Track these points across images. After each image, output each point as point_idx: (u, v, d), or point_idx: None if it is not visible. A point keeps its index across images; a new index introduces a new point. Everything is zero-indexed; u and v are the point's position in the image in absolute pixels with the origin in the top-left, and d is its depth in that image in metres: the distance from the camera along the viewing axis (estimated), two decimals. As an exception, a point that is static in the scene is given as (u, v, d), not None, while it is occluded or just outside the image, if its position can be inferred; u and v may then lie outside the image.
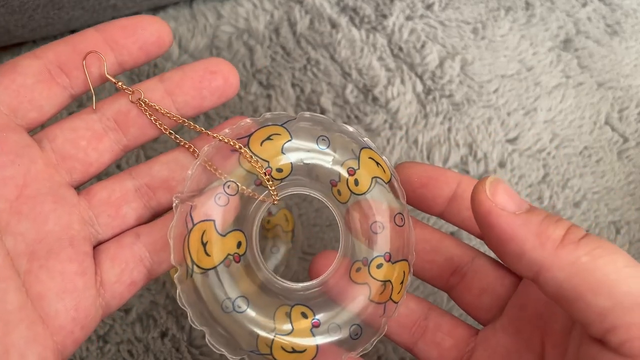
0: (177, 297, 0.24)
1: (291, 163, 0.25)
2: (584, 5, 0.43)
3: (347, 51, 0.41)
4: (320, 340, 0.25)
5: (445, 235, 0.28)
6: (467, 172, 0.39)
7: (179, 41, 0.41)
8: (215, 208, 0.24)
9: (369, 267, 0.25)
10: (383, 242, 0.25)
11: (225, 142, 0.24)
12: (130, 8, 0.39)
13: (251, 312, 0.24)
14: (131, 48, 0.27)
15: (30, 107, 0.25)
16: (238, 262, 0.24)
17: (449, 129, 0.40)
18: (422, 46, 0.41)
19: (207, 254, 0.23)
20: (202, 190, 0.24)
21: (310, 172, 0.26)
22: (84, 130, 0.26)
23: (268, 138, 0.24)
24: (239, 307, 0.24)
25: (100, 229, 0.26)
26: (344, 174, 0.25)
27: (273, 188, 0.25)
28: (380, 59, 0.41)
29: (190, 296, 0.24)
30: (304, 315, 0.25)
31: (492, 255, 0.26)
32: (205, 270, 0.23)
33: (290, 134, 0.25)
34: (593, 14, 0.43)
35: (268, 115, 0.25)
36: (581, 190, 0.40)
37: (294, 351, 0.24)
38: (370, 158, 0.25)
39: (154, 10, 0.41)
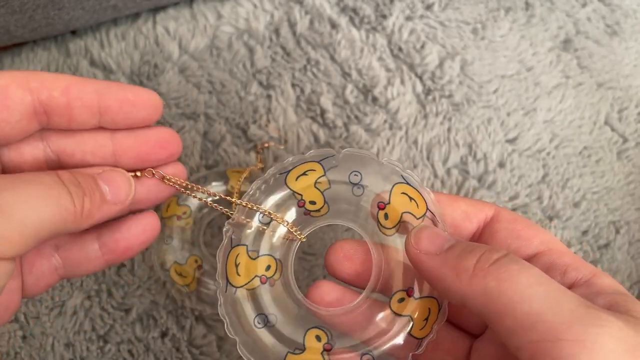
0: (219, 307, 0.26)
1: (323, 196, 0.27)
2: (584, 5, 0.43)
3: (347, 51, 0.41)
4: None
5: None
6: (467, 172, 0.39)
7: (179, 42, 0.41)
8: (250, 235, 0.27)
9: (390, 301, 0.26)
10: (407, 277, 0.26)
11: (244, 205, 0.27)
12: (130, 8, 0.39)
13: (272, 330, 0.27)
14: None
15: None
16: (264, 283, 0.27)
17: (449, 129, 0.40)
18: (422, 46, 0.41)
19: (238, 274, 0.27)
20: (246, 219, 0.27)
21: (343, 201, 0.27)
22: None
23: (304, 174, 0.27)
24: (259, 323, 0.27)
25: None
26: (374, 207, 0.27)
27: (295, 229, 0.27)
28: (380, 59, 0.41)
29: (226, 308, 0.27)
30: (318, 338, 0.27)
31: None
32: (235, 288, 0.27)
33: (324, 169, 0.27)
34: (593, 14, 0.43)
35: (313, 152, 0.28)
36: (581, 190, 0.40)
37: None
38: (403, 193, 0.26)
39: (154, 10, 0.42)
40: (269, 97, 0.40)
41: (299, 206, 0.27)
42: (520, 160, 0.40)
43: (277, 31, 0.41)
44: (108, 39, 0.41)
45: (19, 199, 0.21)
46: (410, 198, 0.26)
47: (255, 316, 0.27)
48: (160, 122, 0.39)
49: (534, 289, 0.20)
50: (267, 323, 0.27)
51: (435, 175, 0.39)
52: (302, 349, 0.26)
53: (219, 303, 0.26)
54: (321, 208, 0.27)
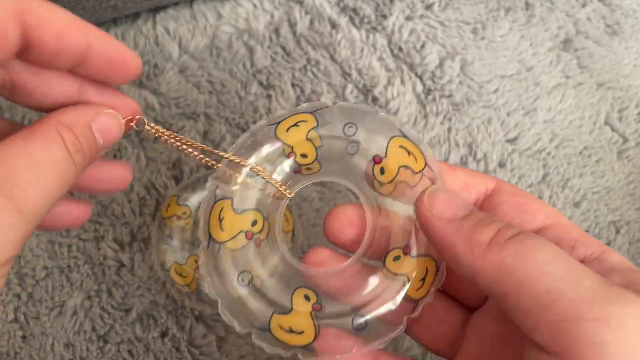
0: (200, 266, 0.25)
1: (315, 149, 0.25)
2: (584, 5, 0.43)
3: (347, 51, 0.41)
4: (320, 324, 0.24)
5: None
6: (467, 172, 0.39)
7: (179, 41, 0.41)
8: (237, 189, 0.25)
9: (385, 259, 0.25)
10: (404, 238, 0.25)
11: (230, 159, 0.25)
12: (130, 9, 0.39)
13: (256, 290, 0.25)
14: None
15: None
16: (250, 239, 0.25)
17: (449, 129, 0.40)
18: (422, 46, 0.41)
19: (222, 229, 0.25)
20: (231, 174, 0.26)
21: (336, 158, 0.26)
22: None
23: (295, 125, 0.25)
24: (242, 281, 0.25)
25: None
26: (370, 161, 0.25)
27: (283, 187, 0.26)
28: (380, 59, 0.41)
29: (207, 266, 0.25)
30: (307, 298, 0.25)
31: None
32: (219, 244, 0.25)
33: (317, 120, 0.25)
34: (593, 14, 0.43)
35: (306, 104, 0.26)
36: (581, 190, 0.40)
37: (291, 331, 0.24)
38: (401, 146, 0.25)
39: (154, 10, 0.42)
40: (269, 97, 0.40)
41: (288, 157, 0.25)
42: (521, 160, 0.40)
43: (277, 31, 0.41)
44: (108, 39, 0.41)
45: (42, 197, 0.20)
46: (409, 152, 0.25)
47: (239, 274, 0.25)
48: (160, 122, 0.39)
49: (552, 266, 0.19)
50: (250, 282, 0.25)
51: (436, 175, 0.39)
52: (290, 309, 0.25)
53: (200, 262, 0.25)
54: (312, 163, 0.26)
